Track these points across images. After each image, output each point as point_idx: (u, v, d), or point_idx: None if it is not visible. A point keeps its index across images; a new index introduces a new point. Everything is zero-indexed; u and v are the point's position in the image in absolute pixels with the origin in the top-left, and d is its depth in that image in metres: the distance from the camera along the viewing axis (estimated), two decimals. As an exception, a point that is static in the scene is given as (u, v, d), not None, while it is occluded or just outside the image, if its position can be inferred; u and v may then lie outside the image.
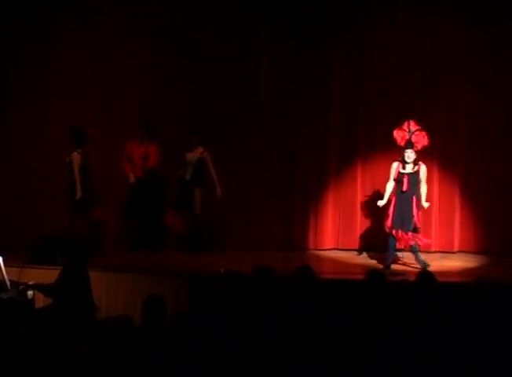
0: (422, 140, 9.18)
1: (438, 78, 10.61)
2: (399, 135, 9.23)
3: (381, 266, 9.27)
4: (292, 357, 5.11)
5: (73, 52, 10.86)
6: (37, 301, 7.54)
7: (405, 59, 10.60)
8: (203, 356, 4.92)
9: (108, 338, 4.58)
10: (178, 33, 10.69)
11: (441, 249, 10.63)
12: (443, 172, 10.66)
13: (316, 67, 10.82)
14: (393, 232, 9.11)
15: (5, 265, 7.26)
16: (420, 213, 9.41)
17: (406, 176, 9.10)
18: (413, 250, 9.29)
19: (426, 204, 9.20)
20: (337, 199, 10.89)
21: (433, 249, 10.60)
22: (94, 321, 6.83)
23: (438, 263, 9.68)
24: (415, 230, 9.22)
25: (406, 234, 9.09)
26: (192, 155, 10.12)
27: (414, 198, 9.12)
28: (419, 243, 9.25)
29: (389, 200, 9.24)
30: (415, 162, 9.15)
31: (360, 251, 10.53)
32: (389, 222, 9.17)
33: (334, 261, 10.20)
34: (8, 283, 7.24)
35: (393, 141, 9.32)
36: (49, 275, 7.80)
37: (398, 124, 9.34)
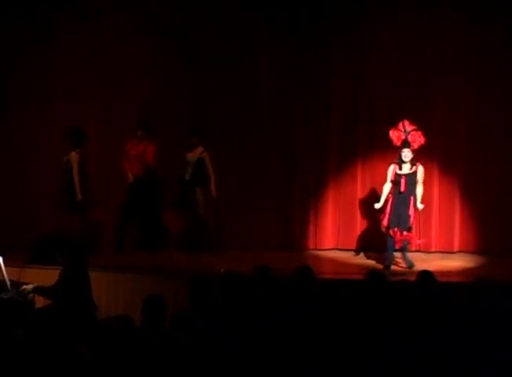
0: (418, 139, 9.18)
1: (438, 78, 10.61)
2: (395, 135, 9.23)
3: (380, 266, 9.27)
4: (292, 357, 5.11)
5: (73, 52, 10.85)
6: (37, 301, 7.53)
7: (405, 59, 10.60)
8: (203, 356, 4.92)
9: (108, 338, 4.58)
10: (178, 33, 10.69)
11: (441, 249, 10.63)
12: (443, 172, 10.66)
13: (316, 67, 10.83)
14: (390, 231, 9.11)
15: (5, 265, 7.26)
16: (417, 213, 9.42)
17: (403, 177, 9.10)
18: (403, 248, 9.28)
19: (420, 206, 9.20)
20: (337, 199, 10.89)
21: (433, 249, 10.62)
22: (94, 321, 6.83)
23: (438, 263, 9.68)
24: (410, 229, 9.23)
25: (401, 233, 9.09)
26: (192, 155, 10.12)
27: (411, 198, 9.12)
28: (412, 242, 9.26)
29: (387, 200, 9.24)
30: (413, 163, 9.15)
31: (357, 251, 10.51)
32: (385, 222, 9.17)
33: (334, 261, 10.20)
34: (8, 283, 7.24)
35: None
36: (49, 275, 7.80)
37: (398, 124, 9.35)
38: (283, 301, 5.84)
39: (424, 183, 9.28)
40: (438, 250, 10.61)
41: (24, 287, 7.23)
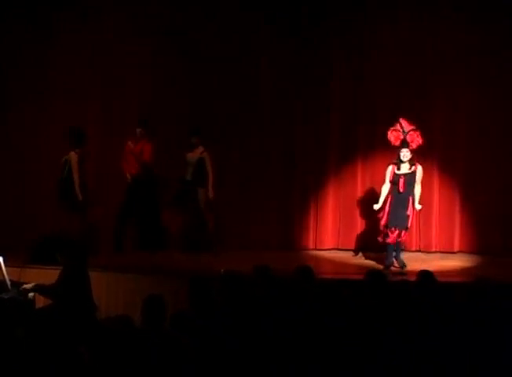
0: (416, 139, 9.17)
1: (438, 78, 10.61)
2: (393, 135, 9.23)
3: (380, 266, 9.27)
4: (292, 357, 5.11)
5: (73, 52, 10.86)
6: (37, 301, 7.54)
7: (405, 59, 10.60)
8: (203, 356, 4.92)
9: (108, 338, 4.58)
10: (178, 33, 10.69)
11: (441, 249, 10.63)
12: (443, 172, 10.66)
13: (316, 67, 10.83)
14: (388, 231, 9.10)
15: (5, 265, 7.26)
16: (416, 213, 9.43)
17: (402, 177, 9.09)
18: (397, 249, 9.27)
19: (418, 206, 9.19)
20: (337, 199, 10.89)
21: (433, 249, 10.62)
22: (94, 321, 6.83)
23: (438, 263, 9.68)
24: (408, 230, 9.24)
25: (400, 232, 9.08)
26: (192, 155, 10.10)
27: (410, 198, 9.10)
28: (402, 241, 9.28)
29: (385, 200, 9.23)
30: (412, 163, 9.14)
31: (356, 251, 10.51)
32: (384, 221, 9.17)
33: (334, 261, 10.19)
34: (8, 283, 7.24)
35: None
36: (49, 275, 7.80)
37: (398, 124, 9.37)
38: (283, 301, 5.84)
39: (422, 183, 9.26)
40: (438, 250, 10.61)
41: (24, 286, 7.23)
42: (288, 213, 10.91)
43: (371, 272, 6.26)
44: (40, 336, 4.86)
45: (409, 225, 9.20)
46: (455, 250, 10.59)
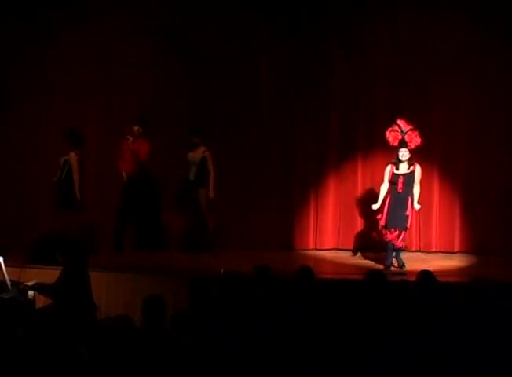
0: (415, 139, 9.17)
1: (438, 78, 10.62)
2: (391, 135, 9.23)
3: (380, 266, 9.26)
4: (292, 357, 5.11)
5: (73, 52, 10.86)
6: (37, 301, 7.54)
7: (405, 59, 10.61)
8: (203, 356, 4.92)
9: (108, 338, 4.58)
10: (178, 33, 10.69)
11: (441, 249, 10.63)
12: (443, 172, 10.66)
13: (316, 67, 10.83)
14: (387, 231, 9.10)
15: (5, 265, 7.26)
16: (415, 213, 9.42)
17: (401, 177, 9.10)
18: (399, 249, 9.26)
19: (417, 206, 9.19)
20: (337, 199, 10.90)
21: (433, 249, 10.62)
22: (94, 321, 6.83)
23: (438, 263, 9.68)
24: (407, 230, 9.23)
25: (400, 233, 9.07)
26: (195, 155, 10.05)
27: (409, 198, 9.10)
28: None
29: (384, 200, 9.23)
30: (410, 162, 9.14)
31: (355, 252, 10.50)
32: (383, 222, 9.17)
33: (334, 261, 10.19)
34: (8, 283, 7.24)
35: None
36: (49, 275, 7.80)
37: (398, 124, 9.37)
38: (283, 301, 5.84)
39: (421, 183, 9.27)
40: (438, 250, 10.61)
41: (24, 283, 7.24)
42: (288, 213, 10.91)
43: (371, 272, 6.26)
44: (40, 336, 4.86)
45: (408, 225, 9.19)
46: (455, 250, 10.59)
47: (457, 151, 10.62)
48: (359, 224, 10.79)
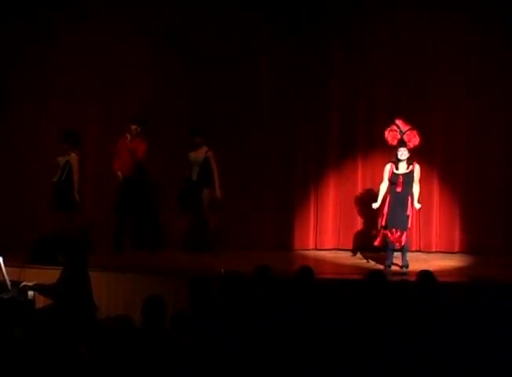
0: (413, 139, 9.19)
1: (438, 78, 10.62)
2: (390, 135, 9.24)
3: (381, 266, 9.27)
4: (292, 357, 5.11)
5: (73, 52, 10.86)
6: (37, 301, 7.54)
7: (405, 59, 10.61)
8: (203, 356, 4.92)
9: (108, 338, 4.58)
10: (178, 33, 10.69)
11: (441, 249, 10.63)
12: (443, 172, 10.66)
13: (316, 67, 10.83)
14: (387, 231, 9.10)
15: (5, 265, 7.26)
16: (416, 213, 9.42)
17: (401, 176, 9.10)
18: (403, 249, 9.26)
19: (418, 205, 9.19)
20: (337, 199, 10.90)
21: (433, 249, 10.62)
22: (94, 321, 6.83)
23: (438, 263, 9.68)
24: (408, 230, 9.23)
25: (402, 234, 9.08)
26: (197, 155, 10.00)
27: (409, 198, 9.10)
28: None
29: (384, 200, 9.23)
30: (409, 162, 9.15)
31: (355, 252, 10.50)
32: (383, 222, 9.17)
33: (334, 261, 10.19)
34: (8, 283, 7.24)
35: (391, 142, 9.35)
36: (49, 275, 7.80)
37: (398, 124, 9.37)
38: (283, 301, 5.84)
39: (421, 182, 9.27)
40: (438, 250, 10.61)
41: (24, 283, 7.24)
42: (288, 213, 10.91)
43: (371, 272, 6.27)
44: (40, 336, 4.86)
45: (409, 225, 9.19)
46: (455, 250, 10.59)
47: (457, 151, 10.62)
48: (359, 224, 10.79)
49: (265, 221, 10.83)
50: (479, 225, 10.50)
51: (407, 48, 10.61)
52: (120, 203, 10.05)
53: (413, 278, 6.45)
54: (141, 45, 10.70)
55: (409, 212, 9.10)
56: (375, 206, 9.28)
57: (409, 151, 9.13)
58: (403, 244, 9.17)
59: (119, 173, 10.05)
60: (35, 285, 7.23)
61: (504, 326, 5.32)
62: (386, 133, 9.26)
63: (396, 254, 9.39)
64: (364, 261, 9.94)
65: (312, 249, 10.87)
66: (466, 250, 10.55)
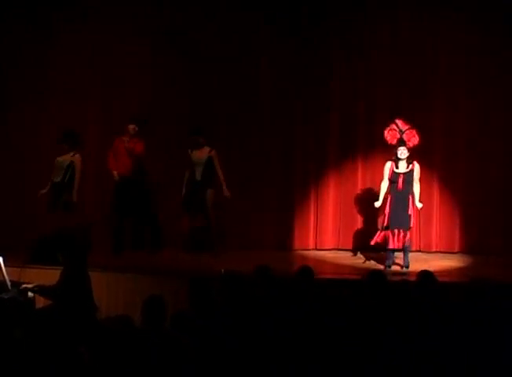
0: (413, 138, 9.19)
1: (438, 78, 10.61)
2: (390, 135, 9.25)
3: (381, 266, 9.26)
4: (292, 357, 5.11)
5: (73, 52, 10.85)
6: (37, 301, 7.53)
7: (405, 59, 10.61)
8: (203, 356, 4.92)
9: (108, 338, 4.58)
10: (178, 33, 10.69)
11: (441, 249, 10.63)
12: (443, 172, 10.66)
13: (316, 67, 10.83)
14: (389, 231, 9.10)
15: (5, 265, 7.26)
16: (417, 212, 9.43)
17: (401, 175, 9.10)
18: (405, 249, 9.26)
19: (419, 205, 9.19)
20: (337, 199, 10.89)
21: (433, 249, 10.62)
22: (94, 321, 6.83)
23: (438, 263, 9.68)
24: (410, 229, 9.23)
25: (405, 233, 9.08)
26: (200, 155, 9.95)
27: (410, 197, 9.10)
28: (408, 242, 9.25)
29: (385, 199, 9.24)
30: (409, 161, 9.15)
31: (355, 252, 10.49)
32: (385, 222, 9.16)
33: (334, 261, 10.19)
34: (8, 283, 7.24)
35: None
36: (49, 275, 7.80)
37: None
38: (283, 301, 5.84)
39: (421, 181, 9.28)
40: (438, 250, 10.61)
41: (24, 285, 7.24)
42: (288, 213, 10.91)
43: (371, 272, 6.26)
44: (40, 336, 4.86)
45: (412, 224, 9.20)
46: (455, 250, 10.59)
47: (457, 151, 10.62)
48: (359, 224, 10.79)
49: (265, 221, 10.83)
50: (479, 225, 10.50)
51: (407, 48, 10.61)
52: (118, 203, 10.04)
53: (413, 278, 6.45)
54: (141, 45, 10.70)
55: (411, 211, 9.10)
56: (377, 204, 9.28)
57: (409, 150, 9.13)
58: (406, 244, 9.16)
59: (115, 173, 10.04)
60: (35, 287, 7.22)
61: (504, 326, 5.32)
62: (386, 132, 9.27)
63: (397, 254, 9.40)
64: (364, 261, 9.94)
65: (312, 249, 10.87)
66: (466, 250, 10.55)
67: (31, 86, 10.84)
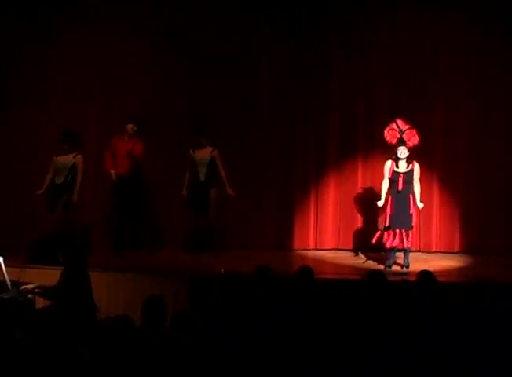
0: (413, 138, 9.21)
1: (438, 78, 10.62)
2: (389, 134, 9.27)
3: (381, 266, 9.27)
4: (292, 357, 5.11)
5: (73, 52, 10.85)
6: (37, 301, 7.52)
7: (405, 59, 10.61)
8: (203, 356, 4.92)
9: (108, 338, 4.58)
10: (178, 33, 10.69)
11: (441, 249, 10.63)
12: (443, 172, 10.66)
13: (316, 67, 10.83)
14: (391, 231, 9.09)
15: (5, 265, 7.25)
16: (418, 212, 9.43)
17: (401, 175, 9.11)
18: (406, 249, 9.25)
19: (420, 204, 9.19)
20: (337, 199, 10.89)
21: (433, 249, 10.62)
22: (94, 321, 6.83)
23: (438, 263, 9.68)
24: (412, 228, 9.23)
25: (407, 233, 9.08)
26: (203, 156, 9.94)
27: (410, 197, 9.11)
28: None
29: (386, 201, 9.23)
30: (409, 161, 9.15)
31: (356, 252, 10.50)
32: (387, 222, 9.16)
33: (334, 261, 10.19)
34: (8, 283, 7.23)
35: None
36: (49, 275, 7.80)
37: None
38: (283, 301, 5.84)
39: (421, 181, 9.28)
40: (438, 250, 10.61)
41: (24, 286, 7.23)
42: (288, 213, 10.91)
43: (371, 272, 6.26)
44: (40, 336, 4.86)
45: (413, 223, 9.20)
46: (455, 250, 10.59)
47: (457, 151, 10.62)
48: (359, 224, 10.79)
49: (265, 221, 10.83)
50: (479, 225, 10.50)
51: (407, 48, 10.61)
52: (117, 203, 10.04)
53: (413, 278, 6.45)
54: (141, 45, 10.70)
55: (412, 211, 9.10)
56: (380, 203, 9.27)
57: (409, 149, 9.14)
58: (407, 245, 9.16)
59: (112, 173, 10.03)
60: (35, 288, 7.21)
61: (504, 326, 5.32)
62: (386, 132, 9.28)
63: (398, 254, 9.39)
64: (364, 261, 9.94)
65: (312, 249, 10.87)
66: (466, 250, 10.55)
67: (31, 86, 10.84)
